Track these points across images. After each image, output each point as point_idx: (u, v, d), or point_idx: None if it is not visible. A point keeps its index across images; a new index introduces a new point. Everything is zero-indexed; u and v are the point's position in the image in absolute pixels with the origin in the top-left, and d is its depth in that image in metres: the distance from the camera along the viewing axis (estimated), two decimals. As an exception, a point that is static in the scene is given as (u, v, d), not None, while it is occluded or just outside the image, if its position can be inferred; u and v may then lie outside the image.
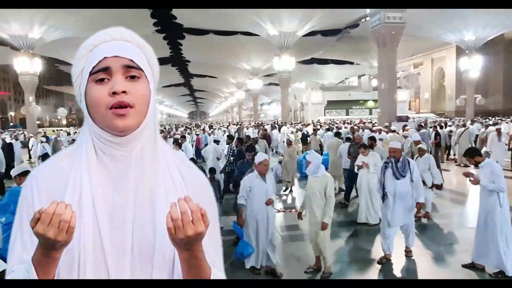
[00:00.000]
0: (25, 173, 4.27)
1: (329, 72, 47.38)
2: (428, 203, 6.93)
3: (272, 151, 16.80)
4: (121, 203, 0.89)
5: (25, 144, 20.28)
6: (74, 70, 0.92)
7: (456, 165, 13.40)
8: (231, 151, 8.85)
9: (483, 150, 12.07)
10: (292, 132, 16.76)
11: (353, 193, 8.26)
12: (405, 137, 11.23)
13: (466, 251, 5.03)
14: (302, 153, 13.28)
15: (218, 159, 9.70)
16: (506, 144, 12.45)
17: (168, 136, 16.41)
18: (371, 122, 25.26)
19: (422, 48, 41.49)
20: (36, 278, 0.78)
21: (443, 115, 41.08)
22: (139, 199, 0.89)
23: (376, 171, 6.37)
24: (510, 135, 12.87)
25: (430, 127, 15.31)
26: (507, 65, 41.25)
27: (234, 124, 31.69)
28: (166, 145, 1.01)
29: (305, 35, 27.92)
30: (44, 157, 12.64)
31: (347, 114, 41.54)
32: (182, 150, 9.38)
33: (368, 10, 20.09)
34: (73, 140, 13.88)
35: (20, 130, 33.64)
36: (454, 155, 14.53)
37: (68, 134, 25.23)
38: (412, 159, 6.38)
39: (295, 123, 27.83)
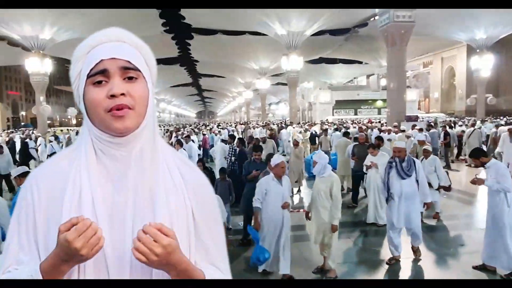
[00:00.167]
0: (25, 174, 4.28)
1: (338, 71, 47.16)
2: (437, 204, 6.86)
3: (279, 151, 16.75)
4: (121, 203, 0.89)
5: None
6: (71, 72, 0.92)
7: (466, 165, 13.22)
8: (233, 151, 8.86)
9: (495, 151, 11.89)
10: (300, 132, 16.69)
11: (362, 193, 8.21)
12: (408, 137, 11.04)
13: (476, 253, 4.95)
14: (311, 153, 13.24)
15: (226, 158, 9.73)
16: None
17: (173, 135, 16.45)
18: (379, 121, 25.08)
19: (432, 47, 41.06)
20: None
21: (453, 115, 40.57)
22: (139, 199, 0.89)
23: (385, 172, 6.31)
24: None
25: (440, 127, 15.15)
26: (519, 64, 40.65)
27: (241, 124, 31.71)
28: (166, 144, 1.01)
29: (314, 35, 27.79)
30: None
31: (356, 114, 41.28)
32: (184, 150, 9.39)
33: (377, 9, 19.94)
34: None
35: (31, 130, 34.10)
36: (465, 155, 14.35)
37: (77, 133, 25.50)
38: (416, 160, 6.29)
39: (303, 123, 27.73)
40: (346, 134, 10.59)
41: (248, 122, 35.99)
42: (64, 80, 70.20)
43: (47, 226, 0.88)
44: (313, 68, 42.16)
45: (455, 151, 14.92)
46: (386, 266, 4.98)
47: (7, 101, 65.88)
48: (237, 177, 7.45)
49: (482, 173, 4.74)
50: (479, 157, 4.62)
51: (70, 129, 31.17)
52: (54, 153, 13.13)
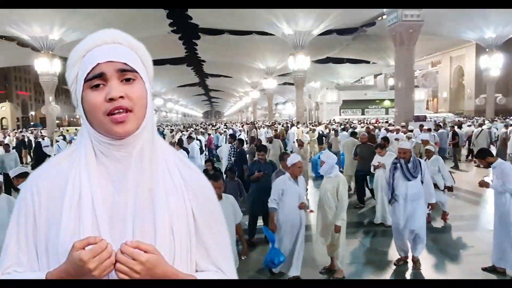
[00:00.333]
0: (23, 175, 4.28)
1: (345, 71, 46.95)
2: (445, 205, 6.78)
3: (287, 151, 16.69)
4: (121, 204, 0.88)
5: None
6: (68, 77, 0.92)
7: (475, 166, 13.08)
8: (233, 151, 8.86)
9: (508, 152, 11.74)
10: (307, 132, 16.62)
11: (369, 194, 8.16)
12: (409, 138, 10.86)
13: (486, 254, 4.88)
14: (318, 152, 13.19)
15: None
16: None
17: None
18: (387, 121, 24.92)
19: (440, 47, 40.68)
20: None
21: (461, 114, 40.18)
22: (139, 200, 0.89)
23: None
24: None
25: (448, 127, 15.00)
26: (529, 63, 40.04)
27: (248, 124, 31.71)
28: (166, 144, 1.01)
29: (321, 34, 27.70)
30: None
31: (363, 113, 41.04)
32: (185, 150, 9.34)
33: (385, 9, 19.82)
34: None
35: (40, 130, 34.48)
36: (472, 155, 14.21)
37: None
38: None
39: (309, 123, 27.64)
40: (353, 134, 10.53)
41: (255, 122, 35.98)
42: (73, 80, 70.81)
43: (47, 226, 0.88)
44: (320, 67, 42.03)
45: (464, 151, 14.77)
46: (394, 267, 4.94)
47: (17, 101, 66.73)
48: (247, 177, 7.44)
49: (491, 174, 4.69)
50: (485, 157, 4.60)
51: (78, 129, 31.38)
52: (60, 153, 13.48)
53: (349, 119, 31.73)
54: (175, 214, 0.91)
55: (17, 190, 9.84)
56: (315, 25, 26.01)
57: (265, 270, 4.70)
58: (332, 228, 4.52)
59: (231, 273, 0.98)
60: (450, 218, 6.83)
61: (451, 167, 12.13)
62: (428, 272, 4.84)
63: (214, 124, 43.10)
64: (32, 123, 55.74)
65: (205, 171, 6.74)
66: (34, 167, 10.36)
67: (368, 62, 42.74)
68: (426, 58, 48.14)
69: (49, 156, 14.71)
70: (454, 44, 40.33)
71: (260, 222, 5.98)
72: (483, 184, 4.51)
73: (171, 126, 36.44)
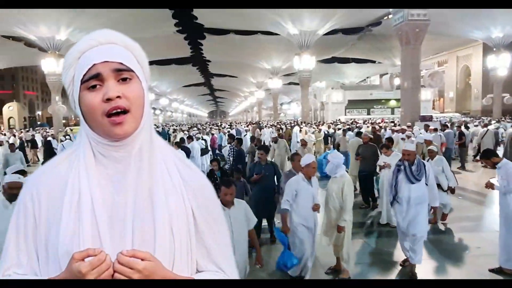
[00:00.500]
0: (19, 173, 4.27)
1: (350, 71, 46.79)
2: (447, 206, 6.69)
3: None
4: (120, 204, 0.88)
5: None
6: (64, 78, 0.92)
7: (482, 166, 12.97)
8: (232, 151, 8.85)
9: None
10: (313, 132, 16.55)
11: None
12: (408, 137, 10.73)
13: (492, 255, 4.84)
14: (324, 152, 13.15)
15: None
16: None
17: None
18: (392, 121, 24.78)
19: (447, 46, 40.38)
20: None
21: (468, 114, 39.86)
22: (138, 200, 0.89)
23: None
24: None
25: (455, 127, 14.89)
26: (537, 62, 39.59)
27: (253, 124, 31.72)
28: (165, 144, 1.01)
29: (326, 34, 27.64)
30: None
31: (368, 113, 40.88)
32: (185, 149, 9.32)
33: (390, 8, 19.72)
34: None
35: (46, 129, 34.76)
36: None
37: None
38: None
39: (315, 123, 27.57)
40: (358, 134, 10.48)
41: (260, 122, 35.98)
42: (79, 80, 71.34)
43: (47, 227, 0.88)
44: (325, 67, 41.92)
45: (470, 151, 14.65)
46: (400, 268, 4.91)
47: (24, 100, 67.32)
48: (249, 178, 7.44)
49: (493, 180, 4.66)
50: (490, 157, 4.58)
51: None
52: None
53: (354, 119, 31.63)
54: (175, 214, 0.91)
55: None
56: (321, 25, 25.95)
57: (270, 271, 4.68)
58: (335, 228, 4.50)
59: (231, 273, 0.98)
60: (456, 219, 6.77)
61: (457, 167, 12.04)
62: (434, 273, 4.81)
63: (220, 123, 43.15)
64: (39, 123, 56.18)
65: (211, 171, 6.75)
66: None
67: (374, 61, 42.55)
68: (433, 57, 47.82)
69: None
70: (460, 43, 40.02)
71: (264, 223, 5.97)
72: (489, 186, 4.48)
73: (174, 126, 36.52)
